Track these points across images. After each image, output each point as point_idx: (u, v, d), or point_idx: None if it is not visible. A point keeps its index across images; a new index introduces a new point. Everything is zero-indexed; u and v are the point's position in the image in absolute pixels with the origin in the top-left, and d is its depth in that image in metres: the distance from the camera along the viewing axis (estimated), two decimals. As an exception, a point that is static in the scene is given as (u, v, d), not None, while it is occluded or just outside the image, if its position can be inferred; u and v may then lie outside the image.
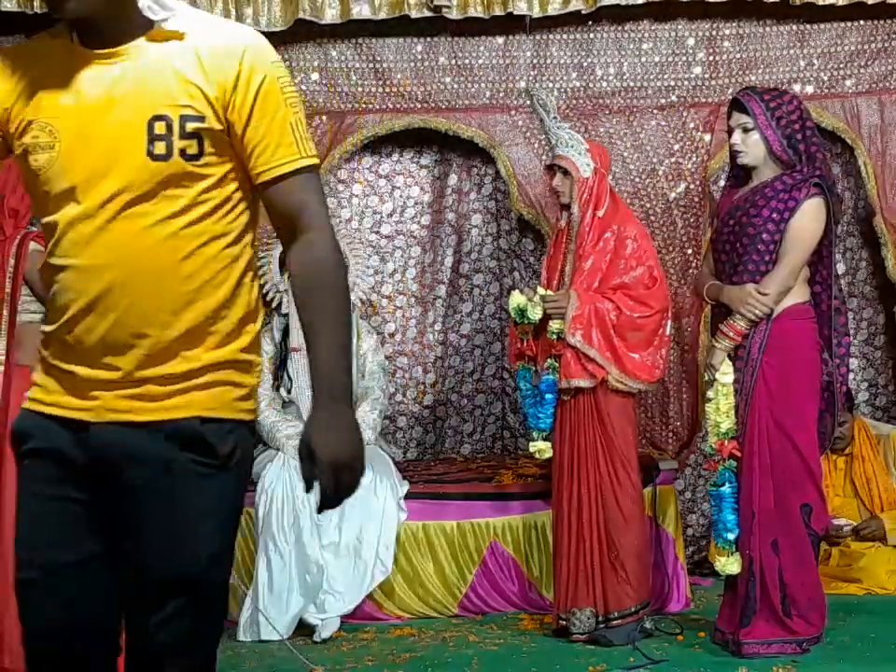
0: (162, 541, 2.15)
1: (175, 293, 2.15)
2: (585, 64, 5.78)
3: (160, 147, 2.12)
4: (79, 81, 2.15)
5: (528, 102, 4.96)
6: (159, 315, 2.14)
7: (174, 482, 2.15)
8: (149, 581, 2.16)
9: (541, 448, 4.80)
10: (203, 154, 2.14)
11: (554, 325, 4.72)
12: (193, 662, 2.21)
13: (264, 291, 5.50)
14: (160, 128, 2.12)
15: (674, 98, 5.80)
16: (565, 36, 5.76)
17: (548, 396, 4.75)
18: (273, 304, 5.51)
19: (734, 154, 4.54)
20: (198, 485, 2.16)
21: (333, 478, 2.13)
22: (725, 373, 4.41)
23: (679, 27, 5.77)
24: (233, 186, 2.19)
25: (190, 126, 2.13)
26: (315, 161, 2.21)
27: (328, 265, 2.19)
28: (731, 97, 4.71)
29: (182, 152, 2.13)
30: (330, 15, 5.43)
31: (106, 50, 2.15)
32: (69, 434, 2.18)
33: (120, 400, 2.16)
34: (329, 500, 2.16)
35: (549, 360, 4.75)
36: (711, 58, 5.77)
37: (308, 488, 2.16)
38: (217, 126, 2.15)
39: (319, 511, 2.22)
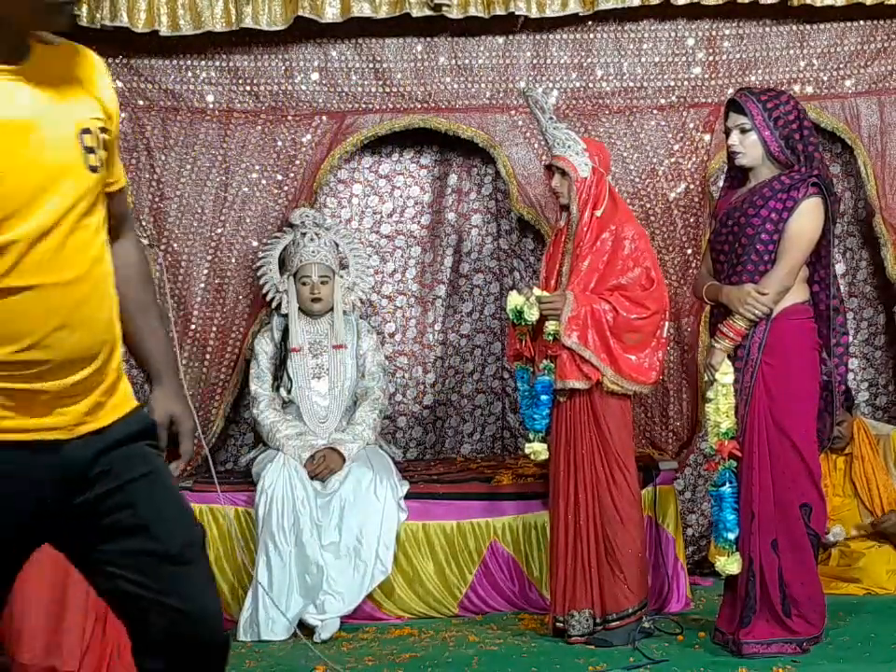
0: (169, 520, 2.33)
1: (111, 296, 2.28)
2: (585, 64, 5.77)
3: (93, 160, 2.20)
4: None
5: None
6: (111, 319, 2.27)
7: (154, 470, 2.34)
8: (172, 554, 2.31)
9: (537, 450, 4.79)
10: (103, 164, 2.26)
11: (550, 326, 4.71)
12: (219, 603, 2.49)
13: (264, 291, 5.50)
14: (88, 140, 2.19)
15: (674, 98, 5.79)
16: (564, 36, 5.76)
17: (543, 397, 4.73)
18: (274, 304, 5.51)
19: (731, 155, 4.54)
20: (164, 465, 2.42)
21: (192, 441, 2.47)
22: (725, 374, 4.41)
23: (679, 27, 5.76)
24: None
25: (102, 137, 2.24)
26: None
27: (146, 264, 2.52)
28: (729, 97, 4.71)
29: (101, 163, 2.23)
30: (331, 13, 5.42)
31: (8, 67, 2.13)
32: (38, 459, 2.18)
33: (87, 411, 2.23)
34: (187, 459, 2.53)
35: (545, 361, 4.74)
36: (711, 58, 5.77)
37: (170, 457, 2.46)
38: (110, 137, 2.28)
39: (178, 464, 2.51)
